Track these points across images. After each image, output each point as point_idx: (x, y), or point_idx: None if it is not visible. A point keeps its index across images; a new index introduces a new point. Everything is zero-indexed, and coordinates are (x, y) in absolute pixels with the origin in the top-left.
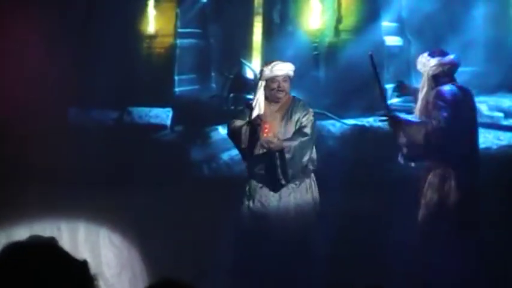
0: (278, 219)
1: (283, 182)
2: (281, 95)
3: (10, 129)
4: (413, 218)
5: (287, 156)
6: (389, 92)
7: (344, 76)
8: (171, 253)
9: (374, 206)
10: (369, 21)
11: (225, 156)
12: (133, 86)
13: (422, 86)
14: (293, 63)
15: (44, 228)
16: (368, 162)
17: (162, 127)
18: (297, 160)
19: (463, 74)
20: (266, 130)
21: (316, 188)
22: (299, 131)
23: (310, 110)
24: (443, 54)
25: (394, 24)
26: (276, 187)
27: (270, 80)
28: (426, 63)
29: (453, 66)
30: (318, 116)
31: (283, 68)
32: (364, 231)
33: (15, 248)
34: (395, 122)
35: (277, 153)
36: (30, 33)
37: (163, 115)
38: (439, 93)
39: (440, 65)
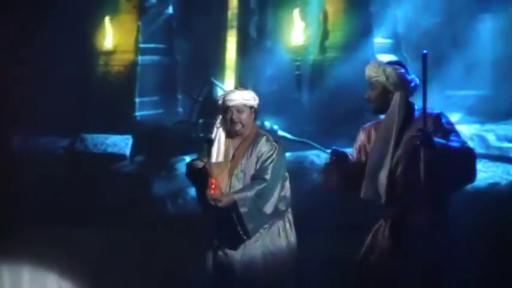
0: (244, 271)
1: (244, 237)
2: (237, 127)
3: None
4: (410, 263)
5: (242, 210)
6: None
7: (330, 99)
8: None
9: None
10: (360, 36)
11: (193, 190)
12: (88, 110)
13: (399, 110)
14: (272, 84)
15: None
16: (358, 199)
17: (120, 157)
18: (254, 212)
19: (467, 99)
20: (213, 186)
21: (293, 230)
22: (257, 176)
23: (275, 146)
24: (408, 71)
25: (388, 41)
26: (234, 244)
27: (224, 111)
28: (395, 81)
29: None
30: (300, 146)
31: (236, 98)
32: (352, 278)
33: None
34: (433, 145)
35: (231, 207)
36: None
37: (121, 143)
38: (447, 117)
39: (414, 85)
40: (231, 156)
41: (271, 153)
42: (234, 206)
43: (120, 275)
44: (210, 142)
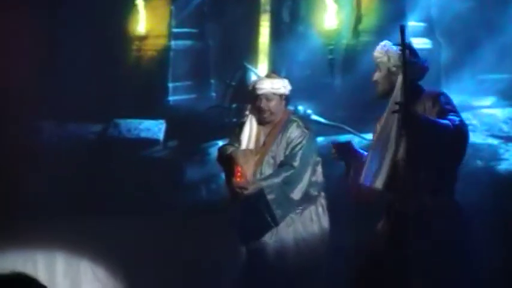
0: (276, 256)
1: (272, 224)
2: (265, 115)
3: None
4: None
5: (269, 197)
6: None
7: (364, 84)
8: None
9: None
10: (393, 20)
11: None
12: (121, 95)
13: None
14: (305, 68)
15: (16, 261)
16: None
17: (153, 142)
18: (282, 199)
19: (500, 83)
20: (239, 174)
21: (326, 215)
22: (285, 162)
23: (306, 132)
24: (416, 53)
25: (421, 24)
26: (262, 232)
27: (254, 99)
28: (397, 63)
29: (426, 71)
30: (333, 130)
31: (265, 86)
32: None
33: None
34: (415, 119)
35: (258, 194)
36: None
37: (155, 128)
38: (446, 97)
39: (419, 68)
40: (261, 143)
41: (300, 139)
42: (261, 193)
43: (153, 261)
44: (241, 127)
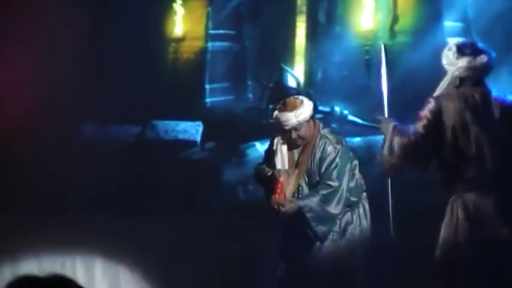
0: (315, 259)
1: (317, 241)
2: (298, 143)
3: (11, 150)
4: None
5: (308, 215)
6: None
7: (401, 85)
8: None
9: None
10: (430, 20)
11: None
12: (158, 97)
13: (441, 87)
14: (342, 69)
15: (54, 262)
16: (430, 182)
17: (191, 143)
18: (322, 216)
19: None
20: (278, 191)
21: (367, 216)
22: (321, 181)
23: (338, 148)
24: (476, 51)
25: (458, 24)
26: (307, 249)
27: (283, 131)
28: (453, 61)
29: (485, 69)
30: (370, 131)
31: (289, 119)
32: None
33: (22, 283)
34: (387, 124)
35: (297, 213)
36: (34, 33)
37: (192, 130)
38: (425, 106)
39: (469, 67)
40: (295, 160)
41: (333, 156)
42: (299, 212)
43: (191, 262)
44: (271, 152)
